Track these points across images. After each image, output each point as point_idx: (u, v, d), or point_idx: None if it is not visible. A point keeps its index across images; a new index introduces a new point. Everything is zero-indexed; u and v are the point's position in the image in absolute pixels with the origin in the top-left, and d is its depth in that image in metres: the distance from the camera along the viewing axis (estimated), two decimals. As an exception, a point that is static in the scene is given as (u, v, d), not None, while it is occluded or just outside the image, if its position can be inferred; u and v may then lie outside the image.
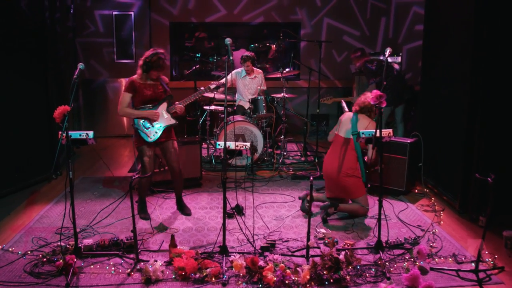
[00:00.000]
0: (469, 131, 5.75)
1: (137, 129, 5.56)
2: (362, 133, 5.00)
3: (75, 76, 4.68)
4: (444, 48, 6.62)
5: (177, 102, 5.64)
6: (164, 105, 5.61)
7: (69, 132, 4.53)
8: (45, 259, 4.62)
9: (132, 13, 10.36)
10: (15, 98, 6.67)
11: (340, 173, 5.65)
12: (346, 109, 6.96)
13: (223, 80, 4.99)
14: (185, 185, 6.45)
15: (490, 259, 4.69)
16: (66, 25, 9.39)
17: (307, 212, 5.66)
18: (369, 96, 5.56)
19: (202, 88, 5.37)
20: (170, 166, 5.78)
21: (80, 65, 4.84)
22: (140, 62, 5.49)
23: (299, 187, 6.99)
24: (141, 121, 5.56)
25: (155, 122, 5.56)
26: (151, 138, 5.55)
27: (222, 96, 8.45)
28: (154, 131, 5.56)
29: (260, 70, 8.69)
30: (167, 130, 5.64)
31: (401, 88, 8.03)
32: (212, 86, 5.52)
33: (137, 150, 5.67)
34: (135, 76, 5.53)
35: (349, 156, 5.67)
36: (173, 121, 5.63)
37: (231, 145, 4.86)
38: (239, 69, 8.58)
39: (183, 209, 6.03)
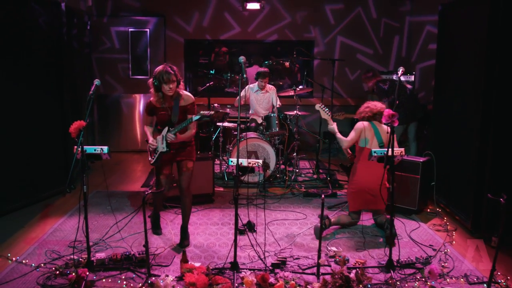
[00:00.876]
0: (481, 151, 5.75)
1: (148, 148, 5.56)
2: (374, 152, 5.02)
3: (91, 91, 4.74)
4: (456, 67, 6.64)
5: (171, 130, 5.32)
6: (165, 130, 5.37)
7: (84, 147, 4.59)
8: (58, 272, 4.67)
9: (148, 30, 10.48)
10: (31, 113, 6.78)
11: (382, 185, 5.51)
12: None
13: (209, 113, 4.94)
14: (197, 201, 6.50)
15: (502, 280, 4.66)
16: (83, 40, 9.52)
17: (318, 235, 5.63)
18: (377, 104, 5.88)
19: (192, 117, 5.18)
20: (179, 185, 5.60)
21: (96, 81, 4.90)
22: (150, 81, 5.30)
23: (311, 204, 7.00)
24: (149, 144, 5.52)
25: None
26: (151, 161, 5.52)
27: (235, 113, 8.52)
28: (153, 155, 5.47)
29: (272, 87, 8.76)
30: (182, 149, 5.51)
31: (414, 107, 8.05)
32: (195, 118, 5.29)
33: (155, 166, 5.60)
34: (152, 98, 5.39)
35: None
36: (165, 149, 5.37)
37: (244, 162, 4.90)
38: (251, 85, 8.66)
39: (183, 238, 5.62)
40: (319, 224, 5.57)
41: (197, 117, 5.14)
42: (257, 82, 8.58)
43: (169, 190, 5.69)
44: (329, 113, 6.17)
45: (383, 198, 5.51)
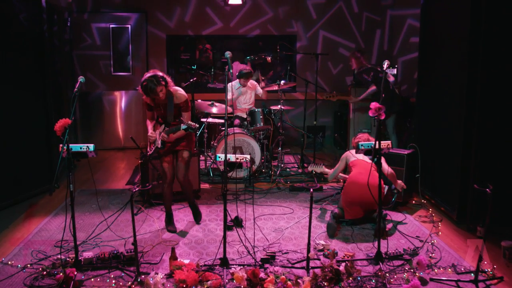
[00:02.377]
0: (466, 142, 5.79)
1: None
2: (361, 145, 5.04)
3: (75, 89, 4.69)
4: (439, 59, 6.68)
5: (166, 130, 5.59)
6: (162, 127, 5.67)
7: (70, 145, 4.55)
8: (45, 272, 4.61)
9: (129, 26, 10.40)
10: (13, 111, 6.68)
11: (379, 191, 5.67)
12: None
13: (194, 125, 5.24)
14: (183, 197, 6.47)
15: (489, 270, 4.70)
16: (64, 38, 9.41)
17: (334, 229, 5.69)
18: (362, 136, 6.18)
19: (181, 125, 5.37)
20: (175, 173, 5.80)
21: (81, 78, 4.85)
22: (139, 88, 5.54)
23: (297, 198, 7.01)
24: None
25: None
26: (149, 152, 5.79)
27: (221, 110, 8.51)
28: (152, 148, 5.75)
29: (254, 82, 8.76)
30: (180, 140, 5.73)
31: (392, 100, 8.08)
32: (183, 127, 5.46)
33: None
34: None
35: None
36: (160, 146, 5.63)
37: (232, 157, 4.89)
38: (233, 82, 8.64)
39: (196, 215, 6.15)
40: (331, 221, 5.69)
41: (184, 127, 5.36)
42: (238, 80, 8.56)
43: (154, 187, 5.76)
44: (321, 165, 6.64)
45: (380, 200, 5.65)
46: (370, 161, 5.52)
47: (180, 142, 5.73)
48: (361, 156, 5.96)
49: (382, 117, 4.67)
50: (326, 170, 6.54)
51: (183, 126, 5.36)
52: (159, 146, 5.61)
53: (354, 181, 5.84)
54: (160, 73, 5.43)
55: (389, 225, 5.89)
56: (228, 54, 4.92)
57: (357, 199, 5.73)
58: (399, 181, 6.18)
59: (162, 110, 5.65)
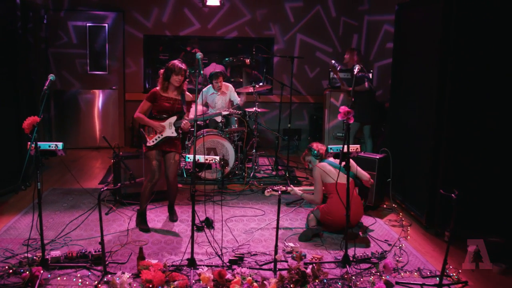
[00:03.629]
0: (435, 148, 5.87)
1: (143, 133, 5.85)
2: (330, 148, 5.08)
3: (45, 87, 4.67)
4: (411, 66, 6.77)
5: (185, 117, 5.87)
6: (173, 118, 5.87)
7: (39, 143, 4.52)
8: (11, 271, 4.56)
9: (106, 25, 10.35)
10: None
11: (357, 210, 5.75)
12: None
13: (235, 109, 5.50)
14: (155, 197, 6.46)
15: (454, 274, 4.78)
16: (39, 35, 9.33)
17: (308, 240, 5.67)
18: (321, 147, 6.05)
19: (214, 111, 5.72)
20: (167, 175, 5.98)
21: (51, 76, 4.82)
22: (161, 71, 5.83)
23: (269, 201, 7.03)
24: (146, 127, 5.85)
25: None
26: (149, 144, 5.82)
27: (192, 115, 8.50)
28: (155, 138, 5.84)
29: (229, 85, 8.73)
30: (173, 142, 5.93)
31: (369, 108, 8.16)
32: (224, 113, 5.74)
33: (145, 155, 5.92)
34: (157, 88, 5.84)
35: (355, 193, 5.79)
36: (174, 134, 5.87)
37: (201, 158, 4.91)
38: (205, 88, 8.62)
39: (172, 215, 6.28)
40: (309, 233, 5.69)
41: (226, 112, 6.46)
42: (210, 85, 8.56)
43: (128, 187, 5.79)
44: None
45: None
46: (343, 175, 5.51)
47: (171, 143, 5.92)
48: (333, 170, 5.82)
49: (351, 121, 4.71)
50: (306, 195, 6.19)
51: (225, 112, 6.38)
52: (174, 134, 5.87)
53: (334, 210, 5.67)
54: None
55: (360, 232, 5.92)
56: (199, 55, 4.94)
57: (339, 225, 5.67)
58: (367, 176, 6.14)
59: (168, 102, 5.83)
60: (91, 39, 10.38)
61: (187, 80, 5.84)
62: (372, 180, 6.28)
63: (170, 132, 5.84)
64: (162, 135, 5.83)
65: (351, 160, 5.80)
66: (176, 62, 5.72)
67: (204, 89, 8.58)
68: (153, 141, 5.82)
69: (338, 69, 8.35)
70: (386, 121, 8.28)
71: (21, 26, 7.30)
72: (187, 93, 5.95)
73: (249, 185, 7.80)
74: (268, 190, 6.06)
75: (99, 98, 10.57)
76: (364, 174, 6.00)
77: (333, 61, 8.32)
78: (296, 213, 6.60)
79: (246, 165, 8.37)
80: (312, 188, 6.24)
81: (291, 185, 6.36)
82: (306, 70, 11.05)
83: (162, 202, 6.72)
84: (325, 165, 5.89)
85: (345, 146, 4.85)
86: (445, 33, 5.69)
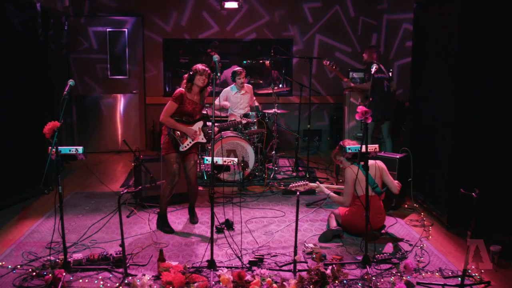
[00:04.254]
0: (456, 147, 5.81)
1: (173, 137, 5.85)
2: (349, 148, 5.06)
3: (65, 92, 4.73)
4: (431, 64, 6.70)
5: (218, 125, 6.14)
6: (200, 123, 6.00)
7: (59, 147, 4.58)
8: (34, 273, 4.64)
9: (126, 30, 10.45)
10: (6, 114, 6.72)
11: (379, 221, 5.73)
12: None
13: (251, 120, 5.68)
14: (176, 200, 6.54)
15: (476, 274, 4.72)
16: (60, 41, 9.46)
17: (328, 241, 5.63)
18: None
19: (237, 120, 6.16)
20: (188, 176, 6.06)
21: (70, 82, 4.89)
22: (186, 76, 5.93)
23: (290, 202, 7.03)
24: (178, 132, 5.87)
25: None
26: (182, 148, 5.89)
27: (216, 112, 8.56)
28: (187, 143, 5.91)
29: (249, 86, 8.77)
30: (194, 144, 6.02)
31: (386, 106, 8.10)
32: (244, 122, 6.21)
33: (165, 158, 5.94)
34: (183, 89, 5.90)
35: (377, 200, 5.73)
36: (204, 140, 6.05)
37: (219, 160, 4.93)
38: (229, 88, 8.66)
39: (192, 217, 6.33)
40: (329, 234, 5.65)
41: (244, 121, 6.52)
42: (234, 84, 8.59)
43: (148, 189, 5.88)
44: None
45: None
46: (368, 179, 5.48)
47: (194, 145, 6.03)
48: (363, 178, 5.73)
49: (369, 121, 4.69)
50: (334, 196, 6.00)
51: (244, 121, 6.58)
52: (204, 140, 6.06)
53: (356, 219, 5.61)
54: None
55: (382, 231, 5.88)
56: (216, 58, 4.97)
57: (361, 230, 5.51)
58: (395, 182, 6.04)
59: (191, 105, 5.91)
60: (111, 44, 10.49)
61: (209, 84, 5.87)
62: (400, 184, 6.06)
63: (201, 138, 5.98)
64: (193, 140, 5.93)
65: (384, 168, 5.81)
66: (200, 65, 5.83)
67: (227, 89, 8.62)
68: (186, 146, 5.90)
69: (333, 66, 8.24)
70: (407, 120, 8.22)
71: (42, 33, 7.42)
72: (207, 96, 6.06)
73: (269, 186, 7.80)
74: (292, 184, 5.92)
75: (120, 102, 10.67)
76: (393, 186, 5.88)
77: (325, 61, 8.23)
78: (316, 214, 6.58)
79: (266, 166, 8.36)
80: (337, 186, 6.24)
81: (317, 182, 6.28)
82: (325, 71, 11.01)
83: (182, 205, 6.76)
84: (359, 172, 5.59)
85: (363, 146, 4.83)
86: (464, 30, 5.63)
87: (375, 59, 8.33)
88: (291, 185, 5.94)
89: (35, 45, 7.24)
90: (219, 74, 4.93)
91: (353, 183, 5.61)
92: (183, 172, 6.04)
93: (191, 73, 5.82)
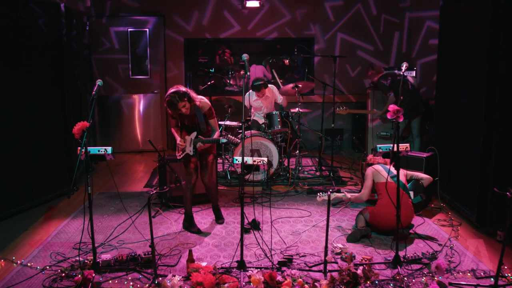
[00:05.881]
0: (485, 145, 5.72)
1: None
2: (379, 148, 5.01)
3: (93, 92, 4.71)
4: (459, 62, 6.61)
5: (201, 139, 5.80)
6: (193, 134, 5.82)
7: (88, 148, 4.58)
8: (63, 274, 4.65)
9: (147, 29, 10.47)
10: (32, 115, 6.74)
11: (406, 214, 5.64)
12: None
13: (237, 140, 5.51)
14: (201, 200, 6.56)
15: (509, 274, 4.64)
16: (82, 42, 9.50)
17: (356, 241, 5.60)
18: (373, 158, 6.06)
19: (219, 138, 5.77)
20: (201, 176, 6.04)
21: (99, 82, 4.87)
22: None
23: (315, 201, 6.94)
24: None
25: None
26: (178, 157, 5.90)
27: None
28: (180, 153, 5.87)
29: (274, 87, 8.69)
30: (211, 145, 5.98)
31: (415, 102, 8.05)
32: (222, 141, 5.76)
33: (183, 159, 5.93)
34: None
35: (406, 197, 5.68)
36: (191, 153, 5.81)
37: (249, 160, 4.89)
38: (248, 92, 8.59)
39: (218, 217, 6.30)
40: (357, 234, 5.62)
41: (224, 140, 5.81)
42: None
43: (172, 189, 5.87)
44: (342, 191, 6.19)
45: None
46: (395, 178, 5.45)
47: (212, 146, 5.99)
48: (385, 173, 5.73)
49: (400, 120, 4.63)
50: (349, 195, 6.11)
51: (222, 140, 5.72)
52: (191, 153, 5.79)
53: (383, 213, 5.60)
54: (183, 89, 5.58)
55: (411, 231, 5.82)
56: (245, 56, 4.93)
57: (388, 227, 5.59)
58: (426, 176, 6.10)
59: (186, 121, 5.85)
60: (133, 44, 10.52)
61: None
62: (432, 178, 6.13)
63: (190, 150, 5.82)
64: (184, 151, 5.84)
65: (406, 170, 5.79)
66: (168, 98, 5.54)
67: (247, 94, 8.56)
68: (179, 155, 5.87)
69: (346, 109, 8.31)
70: (431, 119, 8.14)
71: (66, 33, 7.43)
72: (201, 103, 5.77)
73: (294, 186, 7.75)
74: (319, 195, 5.89)
75: (142, 102, 10.69)
76: (424, 176, 5.96)
77: (336, 110, 8.29)
78: (343, 213, 6.53)
79: (290, 166, 8.31)
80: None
81: (329, 192, 6.20)
82: (347, 69, 10.95)
83: (207, 205, 6.73)
84: (377, 166, 5.85)
85: (395, 145, 4.77)
86: (493, 27, 5.55)
87: (380, 73, 8.32)
88: (318, 197, 5.93)
89: (60, 46, 7.27)
90: (248, 73, 4.89)
91: (371, 175, 5.81)
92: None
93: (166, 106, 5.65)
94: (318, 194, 5.91)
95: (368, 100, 9.73)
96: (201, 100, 5.78)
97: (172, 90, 5.56)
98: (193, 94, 5.67)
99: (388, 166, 5.73)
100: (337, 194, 6.09)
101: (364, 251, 5.28)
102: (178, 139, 5.83)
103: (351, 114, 10.89)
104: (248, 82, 7.91)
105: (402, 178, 5.68)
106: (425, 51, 10.02)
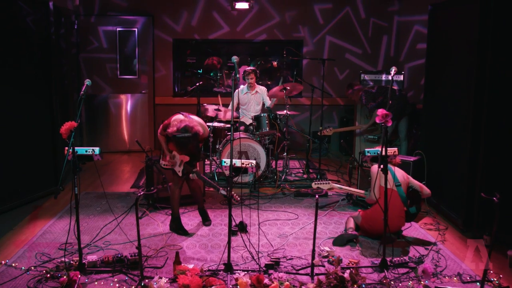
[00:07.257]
0: (473, 149, 5.77)
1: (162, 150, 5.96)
2: (368, 152, 5.02)
3: (82, 92, 4.68)
4: (447, 66, 6.65)
5: (198, 172, 5.90)
6: (186, 158, 5.81)
7: (75, 148, 4.54)
8: (49, 275, 4.60)
9: (136, 29, 10.41)
10: (18, 113, 6.68)
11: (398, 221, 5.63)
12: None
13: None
14: (188, 201, 6.51)
15: (495, 279, 4.67)
16: (70, 40, 9.43)
17: (342, 245, 5.58)
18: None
19: (219, 188, 5.79)
20: (186, 179, 6.02)
21: (87, 81, 4.83)
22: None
23: (302, 204, 6.98)
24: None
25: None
26: (161, 163, 6.00)
27: (227, 116, 8.57)
28: (165, 163, 5.92)
29: (262, 87, 8.73)
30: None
31: (403, 104, 8.09)
32: (222, 192, 5.72)
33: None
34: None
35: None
36: (180, 174, 5.85)
37: (237, 162, 4.88)
38: (240, 87, 8.64)
39: (204, 219, 6.28)
40: (345, 237, 5.61)
41: (223, 192, 5.65)
42: (245, 83, 8.58)
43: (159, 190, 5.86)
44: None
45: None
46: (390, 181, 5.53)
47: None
48: (391, 180, 5.62)
49: (389, 124, 4.64)
50: (358, 191, 6.08)
51: (222, 191, 5.74)
52: (180, 175, 5.83)
53: (376, 217, 5.53)
54: (195, 127, 5.46)
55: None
56: (235, 58, 4.92)
57: (379, 232, 5.51)
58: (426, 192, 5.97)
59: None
60: (121, 44, 10.45)
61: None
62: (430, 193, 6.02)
63: (178, 170, 5.86)
64: (173, 166, 5.86)
65: (410, 177, 5.78)
66: (184, 139, 5.45)
67: (239, 89, 8.64)
68: (165, 164, 5.90)
69: (330, 130, 8.35)
70: (418, 123, 8.17)
71: (54, 31, 7.38)
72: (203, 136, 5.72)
73: (281, 188, 7.75)
74: (316, 182, 5.73)
75: (129, 102, 10.64)
76: (423, 188, 5.88)
77: (324, 131, 8.29)
78: (330, 216, 6.54)
79: (278, 168, 8.31)
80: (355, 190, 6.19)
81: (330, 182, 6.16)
82: (335, 72, 10.97)
83: (193, 206, 6.68)
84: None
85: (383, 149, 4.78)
86: (482, 33, 5.59)
87: (359, 87, 8.51)
88: (314, 183, 5.75)
89: (48, 44, 7.20)
90: (238, 76, 4.88)
91: (379, 176, 5.54)
92: None
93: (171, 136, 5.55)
94: (315, 181, 5.74)
95: (355, 103, 9.75)
96: (205, 129, 5.81)
97: (182, 127, 5.42)
98: (199, 127, 5.54)
99: (395, 171, 5.71)
100: (339, 185, 6.03)
101: (351, 255, 5.28)
102: (168, 155, 5.82)
103: (339, 116, 10.93)
104: (237, 84, 7.91)
105: (403, 186, 5.66)
106: (413, 55, 10.06)
